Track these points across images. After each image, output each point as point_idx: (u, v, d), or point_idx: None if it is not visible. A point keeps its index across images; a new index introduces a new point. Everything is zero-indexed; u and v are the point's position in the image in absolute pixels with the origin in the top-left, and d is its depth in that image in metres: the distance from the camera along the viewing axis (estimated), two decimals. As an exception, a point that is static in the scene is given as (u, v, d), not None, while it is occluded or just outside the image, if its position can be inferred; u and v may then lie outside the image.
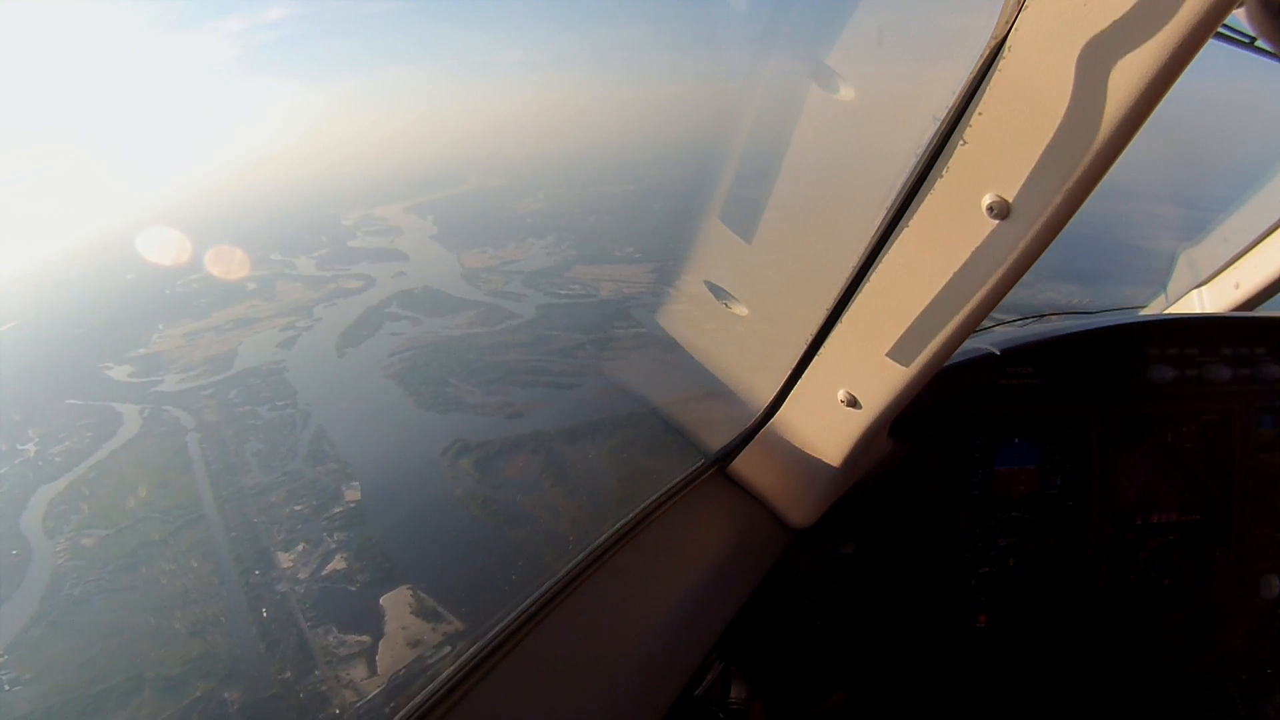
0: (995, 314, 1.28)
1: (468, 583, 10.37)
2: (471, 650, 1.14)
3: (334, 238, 40.64)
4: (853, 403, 1.43)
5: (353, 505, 13.77)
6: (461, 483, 13.37)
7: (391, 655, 9.98)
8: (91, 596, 14.14)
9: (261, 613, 11.61)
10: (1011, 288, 1.11)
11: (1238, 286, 2.52)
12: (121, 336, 29.42)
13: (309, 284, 32.16)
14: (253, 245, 41.34)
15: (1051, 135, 0.91)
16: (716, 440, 1.73)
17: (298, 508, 14.28)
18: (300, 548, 12.78)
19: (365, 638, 10.41)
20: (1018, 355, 1.93)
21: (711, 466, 1.72)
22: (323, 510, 13.79)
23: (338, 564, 12.06)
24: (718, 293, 1.65)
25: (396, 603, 10.71)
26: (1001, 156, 0.98)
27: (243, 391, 21.08)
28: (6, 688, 11.70)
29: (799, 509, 1.68)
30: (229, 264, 38.14)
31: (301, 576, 12.08)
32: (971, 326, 1.19)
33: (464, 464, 13.83)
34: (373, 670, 9.87)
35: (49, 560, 15.48)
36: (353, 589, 11.49)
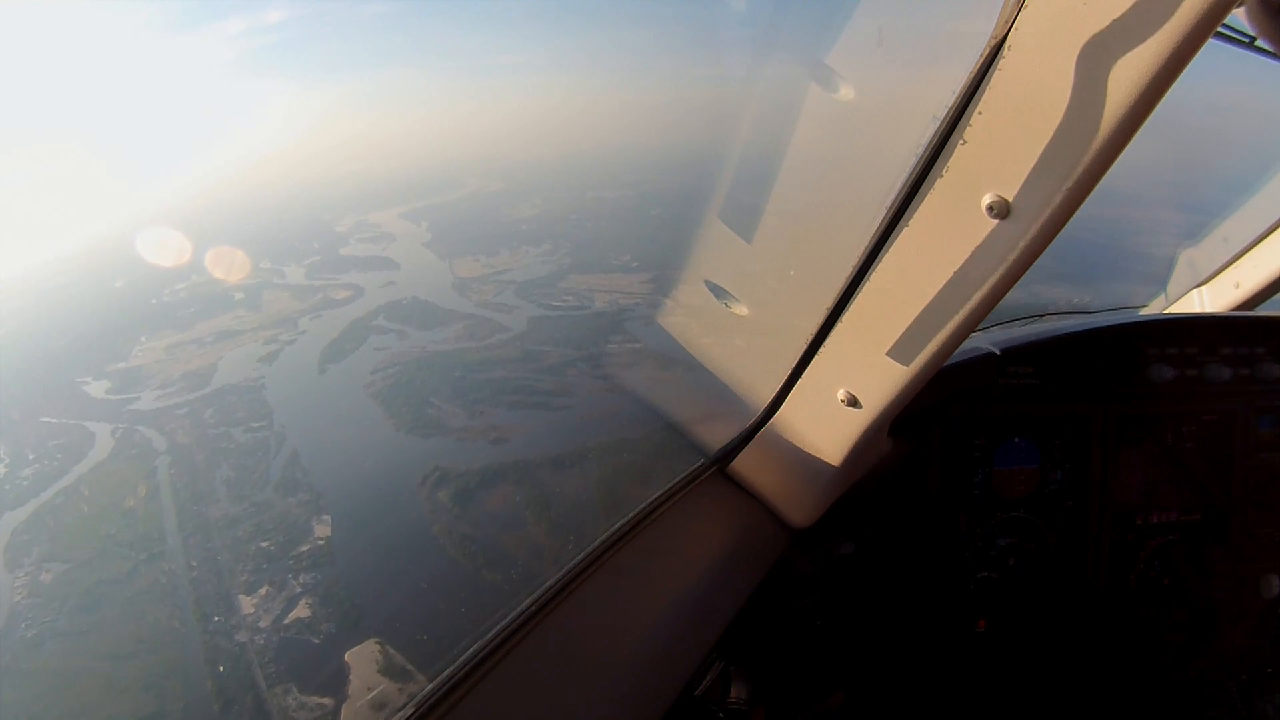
0: (995, 314, 1.24)
1: (440, 636, 9.43)
2: (471, 650, 1.12)
3: (326, 245, 39.71)
4: (853, 402, 1.42)
5: (321, 543, 12.84)
6: (439, 517, 12.45)
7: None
8: (46, 640, 13.24)
9: (218, 667, 10.68)
10: (1011, 288, 1.10)
11: (1238, 286, 2.50)
12: (103, 349, 28.57)
13: (296, 294, 31.25)
14: (244, 252, 40.53)
15: (1051, 135, 0.90)
16: (716, 440, 1.71)
17: (264, 544, 13.34)
18: (263, 590, 11.84)
19: (327, 700, 9.50)
20: (1018, 355, 1.92)
21: (711, 466, 1.71)
22: (290, 547, 12.85)
23: (302, 611, 11.11)
24: (718, 293, 1.62)
25: (362, 659, 9.76)
26: (1001, 156, 0.97)
27: (219, 411, 20.13)
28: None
29: (799, 509, 1.67)
30: (220, 271, 37.32)
31: (263, 625, 11.13)
32: (971, 326, 1.18)
33: (442, 495, 12.91)
34: (333, 738, 8.93)
35: (6, 597, 14.57)
36: (316, 641, 10.56)
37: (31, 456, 20.39)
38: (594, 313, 24.10)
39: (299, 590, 11.56)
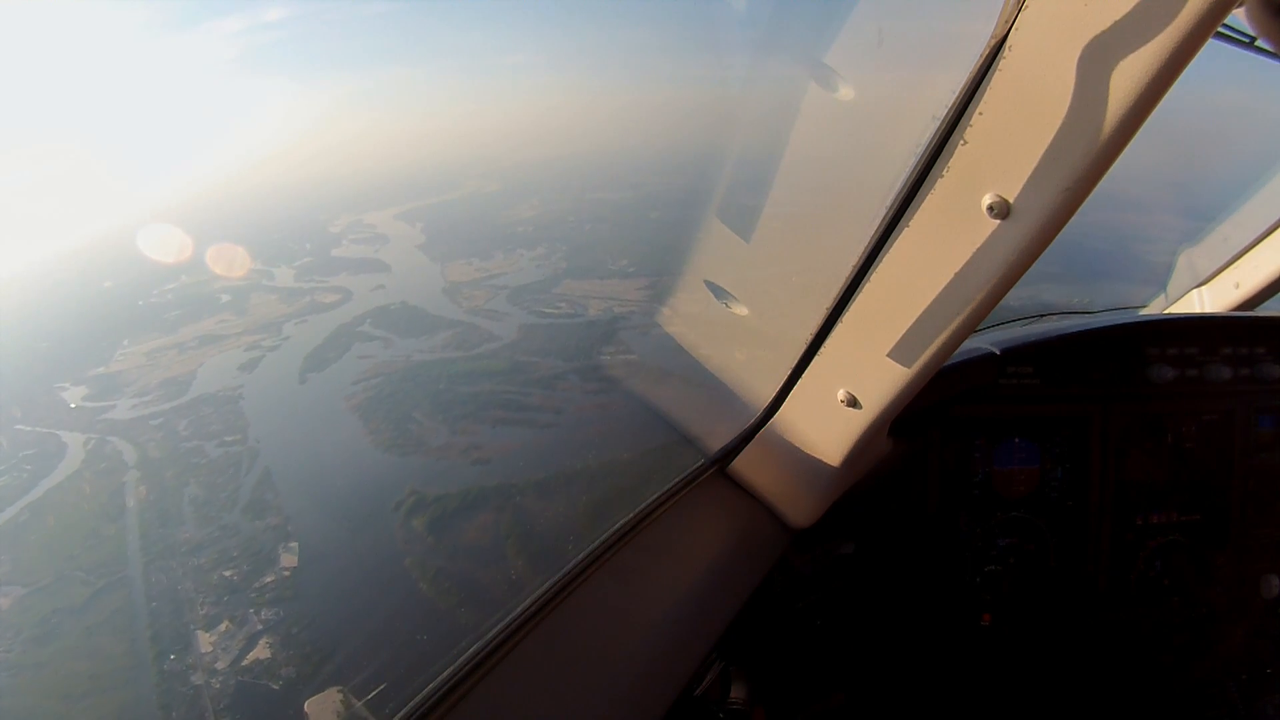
0: (995, 314, 1.26)
1: (408, 682, 8.56)
2: (472, 650, 1.14)
3: (318, 246, 38.73)
4: (853, 403, 1.43)
5: (287, 574, 11.92)
6: (412, 548, 11.60)
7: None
8: (-2, 675, 12.38)
9: (171, 713, 9.79)
10: (1011, 288, 1.11)
11: (1238, 286, 2.51)
12: (85, 352, 27.68)
13: (284, 297, 30.33)
14: (242, 250, 39.82)
15: (1051, 135, 0.91)
16: (716, 440, 1.73)
17: (228, 573, 12.42)
18: (223, 626, 10.92)
19: (281, 756, 8.63)
20: (1018, 355, 1.95)
21: (711, 466, 1.72)
22: (254, 578, 11.93)
23: (261, 651, 10.20)
24: (718, 293, 1.65)
25: (322, 709, 8.92)
26: (1001, 156, 0.98)
27: (193, 422, 19.16)
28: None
29: (799, 509, 1.68)
30: (220, 268, 36.69)
31: (220, 666, 10.20)
32: (971, 326, 1.20)
33: (417, 523, 12.06)
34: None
35: (-40, 626, 13.72)
36: (275, 686, 9.66)
37: (1, 468, 19.61)
38: (588, 321, 23.16)
39: (260, 628, 10.65)
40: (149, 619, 12.02)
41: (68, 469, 18.51)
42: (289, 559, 12.37)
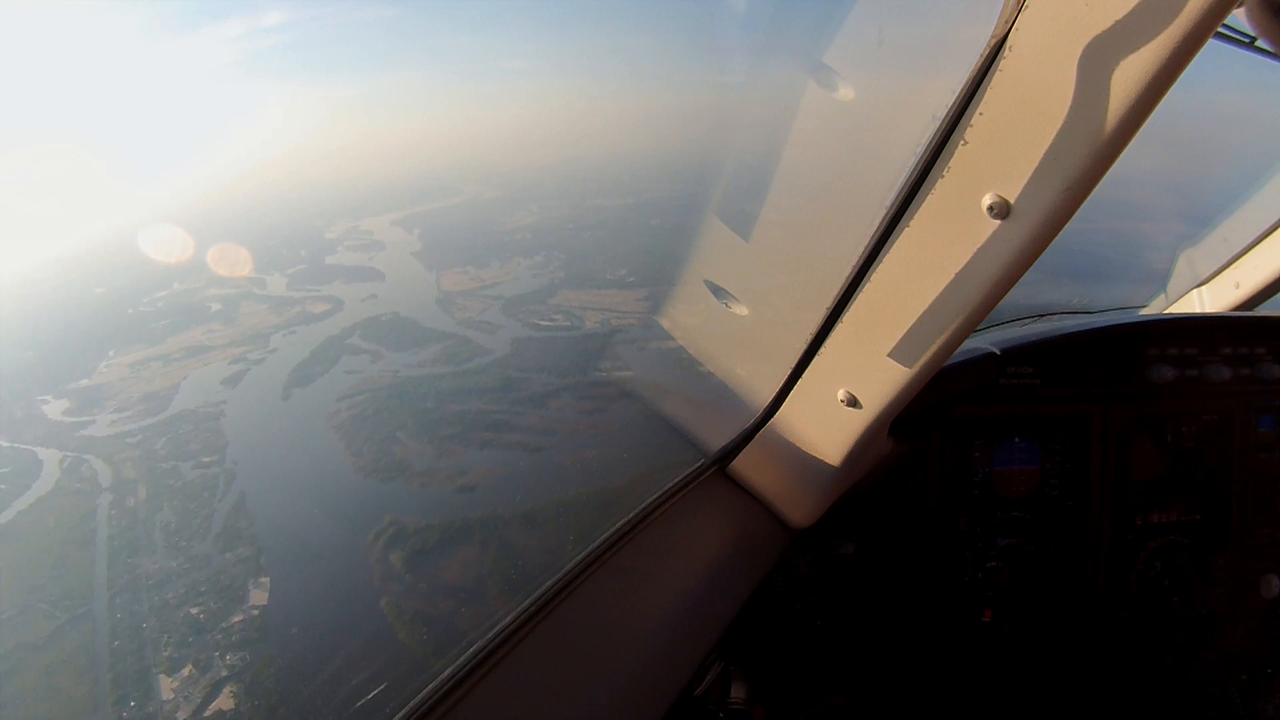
0: (995, 314, 1.25)
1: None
2: (471, 650, 1.15)
3: (313, 253, 38.05)
4: (853, 402, 1.44)
5: (256, 613, 11.15)
6: (390, 586, 10.88)
7: None
8: (-45, 723, 11.60)
9: (126, 769, 9.06)
10: (1011, 287, 1.11)
11: (1238, 286, 2.51)
12: (71, 363, 27.01)
13: (274, 306, 29.63)
14: (232, 259, 39.25)
15: (1052, 135, 0.92)
16: (716, 440, 1.73)
17: (194, 610, 11.67)
18: (186, 671, 10.15)
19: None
20: (1018, 355, 1.95)
21: (711, 466, 1.73)
22: (222, 616, 11.17)
23: (224, 701, 9.48)
24: (718, 293, 1.65)
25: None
26: (1001, 156, 0.99)
27: (171, 440, 18.40)
28: None
29: (799, 509, 1.70)
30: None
31: (180, 716, 9.51)
32: (971, 326, 1.19)
33: (395, 557, 11.35)
34: None
35: (-81, 662, 12.96)
36: (235, 745, 8.94)
37: (-24, 487, 18.84)
38: (584, 334, 22.42)
39: (224, 674, 9.88)
40: (110, 660, 11.24)
41: (41, 489, 17.72)
42: (259, 595, 11.55)
